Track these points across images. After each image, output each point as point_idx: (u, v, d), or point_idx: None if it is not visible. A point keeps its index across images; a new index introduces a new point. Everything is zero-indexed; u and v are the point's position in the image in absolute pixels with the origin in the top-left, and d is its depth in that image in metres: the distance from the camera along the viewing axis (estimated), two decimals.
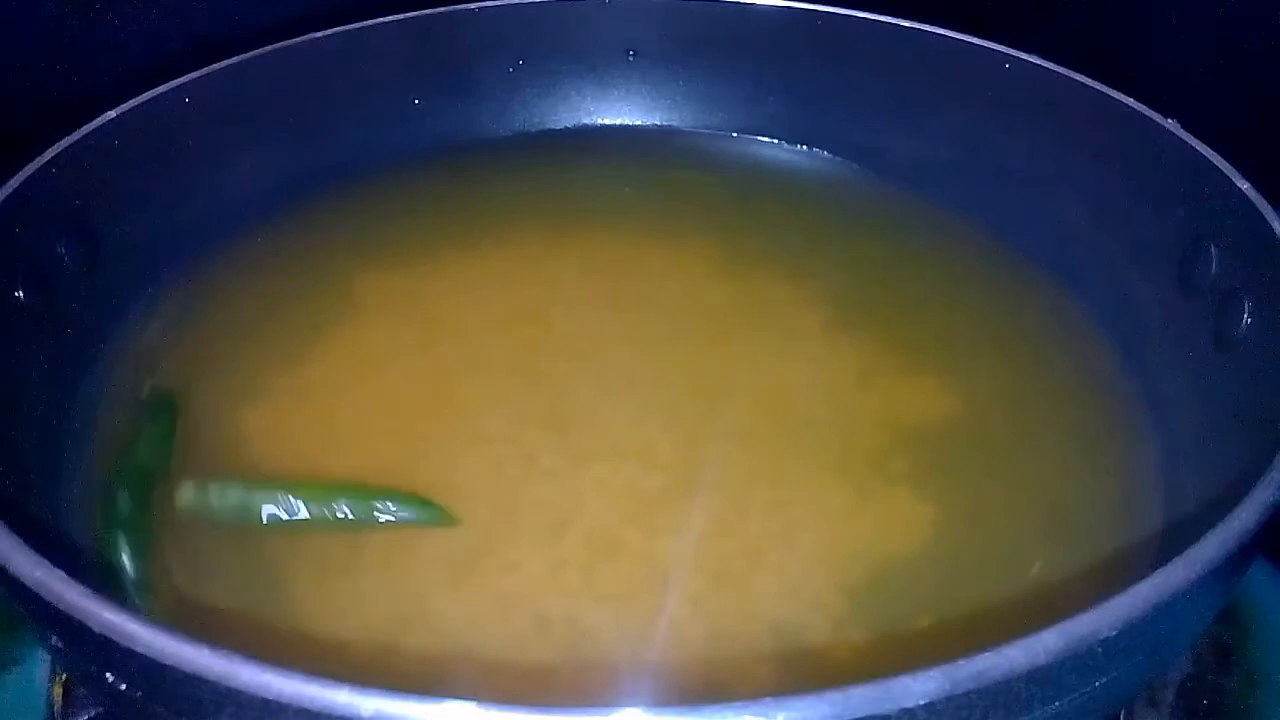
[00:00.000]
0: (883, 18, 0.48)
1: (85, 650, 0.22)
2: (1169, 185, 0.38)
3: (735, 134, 0.53)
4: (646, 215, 0.49)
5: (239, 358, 0.40)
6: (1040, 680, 0.20)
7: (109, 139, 0.40)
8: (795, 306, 0.42)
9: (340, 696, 0.19)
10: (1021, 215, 0.46)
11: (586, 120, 0.54)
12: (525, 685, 0.29)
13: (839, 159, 0.52)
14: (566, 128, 0.54)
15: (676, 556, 0.33)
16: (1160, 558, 0.22)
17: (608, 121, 0.54)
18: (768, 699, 0.18)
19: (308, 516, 0.33)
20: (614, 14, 0.52)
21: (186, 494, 0.34)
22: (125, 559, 0.32)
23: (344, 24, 0.48)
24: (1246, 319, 0.34)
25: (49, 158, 0.37)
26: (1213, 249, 0.36)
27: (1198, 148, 0.37)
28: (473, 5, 0.50)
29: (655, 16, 0.52)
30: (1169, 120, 0.39)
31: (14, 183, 0.36)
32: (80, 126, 0.39)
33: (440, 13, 0.50)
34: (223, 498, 0.34)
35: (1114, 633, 0.20)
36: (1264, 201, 0.34)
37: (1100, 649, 0.21)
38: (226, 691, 0.19)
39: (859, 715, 0.19)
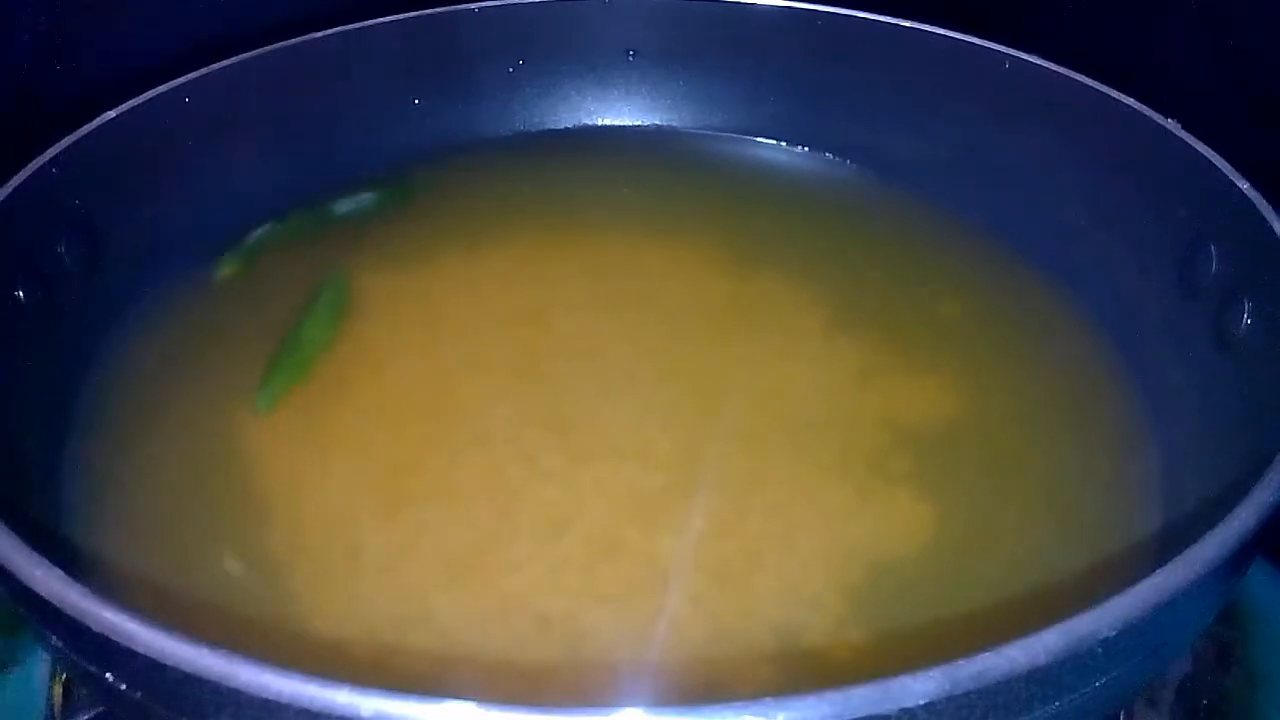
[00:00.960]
0: (883, 18, 0.48)
1: (85, 650, 0.22)
2: (1169, 185, 0.38)
3: (735, 134, 0.53)
4: (646, 215, 0.49)
5: (239, 357, 0.40)
6: (1040, 680, 0.20)
7: (109, 139, 0.40)
8: (795, 306, 0.42)
9: (340, 696, 0.19)
10: (1021, 215, 0.46)
11: (586, 120, 0.54)
12: (525, 685, 0.29)
13: (839, 159, 0.52)
14: (566, 128, 0.54)
15: (676, 556, 0.33)
16: (1160, 558, 0.22)
17: (608, 121, 0.54)
18: (768, 699, 0.18)
19: None
20: (614, 14, 0.52)
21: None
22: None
23: (344, 24, 0.48)
24: (1246, 319, 0.34)
25: (49, 158, 0.37)
26: (1213, 249, 0.36)
27: (1198, 148, 0.37)
28: (473, 5, 0.50)
29: (655, 16, 0.52)
30: (1169, 120, 0.39)
31: (14, 183, 0.36)
32: (80, 126, 0.39)
33: (440, 13, 0.50)
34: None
35: (1114, 633, 0.20)
36: (1264, 201, 0.34)
37: (1100, 649, 0.21)
38: (226, 691, 0.19)
39: (859, 715, 0.19)
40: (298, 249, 0.46)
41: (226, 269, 0.44)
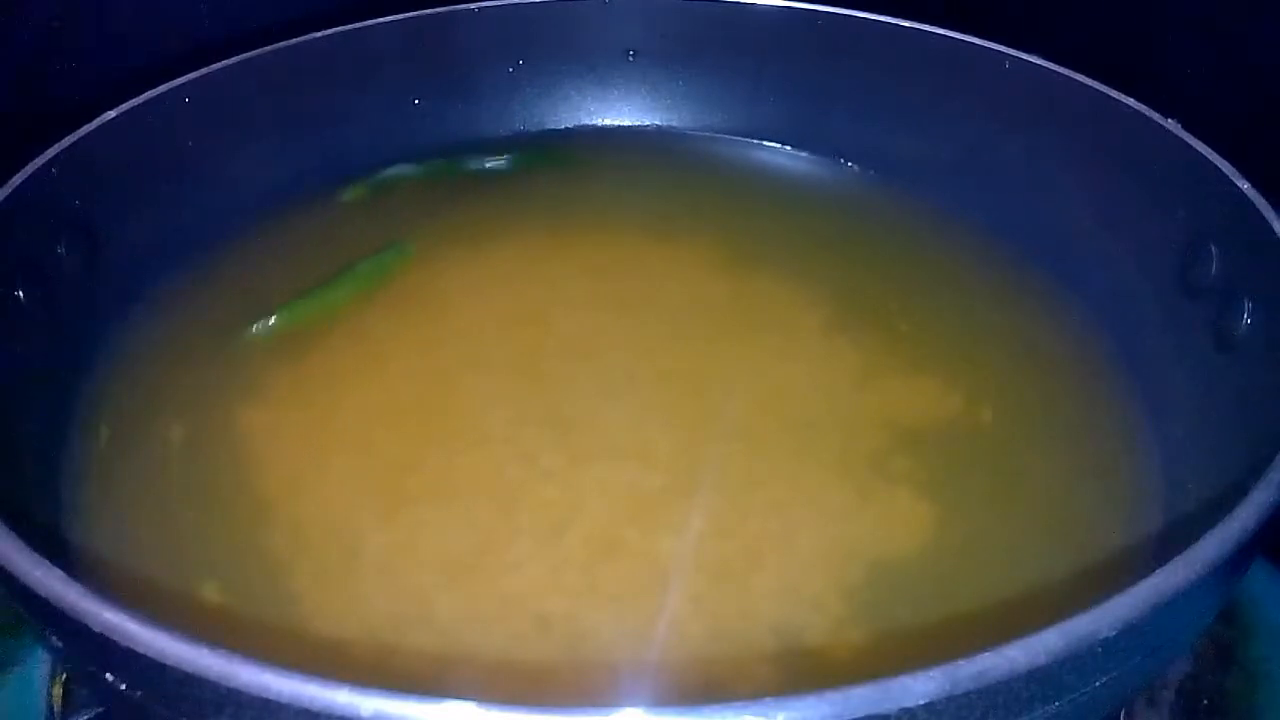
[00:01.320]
0: (883, 18, 0.48)
1: (85, 650, 0.22)
2: (1169, 185, 0.38)
3: (735, 134, 0.53)
4: (646, 215, 0.49)
5: (239, 357, 0.40)
6: (1040, 680, 0.20)
7: (109, 139, 0.40)
8: (795, 306, 0.42)
9: (340, 696, 0.19)
10: (1021, 215, 0.46)
11: (586, 120, 0.54)
12: (525, 685, 0.29)
13: (839, 159, 0.52)
14: (566, 128, 0.54)
15: (677, 556, 0.33)
16: (1160, 558, 0.22)
17: (608, 121, 0.54)
18: (768, 699, 0.18)
19: None
20: (614, 14, 0.52)
21: None
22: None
23: (344, 24, 0.48)
24: (1246, 319, 0.34)
25: (49, 158, 0.37)
26: (1213, 249, 0.36)
27: (1198, 148, 0.37)
28: (473, 5, 0.50)
29: (655, 16, 0.52)
30: (1169, 120, 0.39)
31: (14, 183, 0.36)
32: (80, 126, 0.39)
33: (440, 13, 0.50)
34: None
35: (1114, 633, 0.20)
36: (1264, 201, 0.34)
37: (1100, 649, 0.21)
38: (226, 691, 0.19)
39: (859, 715, 0.19)
40: (357, 220, 0.48)
41: (352, 194, 0.49)
